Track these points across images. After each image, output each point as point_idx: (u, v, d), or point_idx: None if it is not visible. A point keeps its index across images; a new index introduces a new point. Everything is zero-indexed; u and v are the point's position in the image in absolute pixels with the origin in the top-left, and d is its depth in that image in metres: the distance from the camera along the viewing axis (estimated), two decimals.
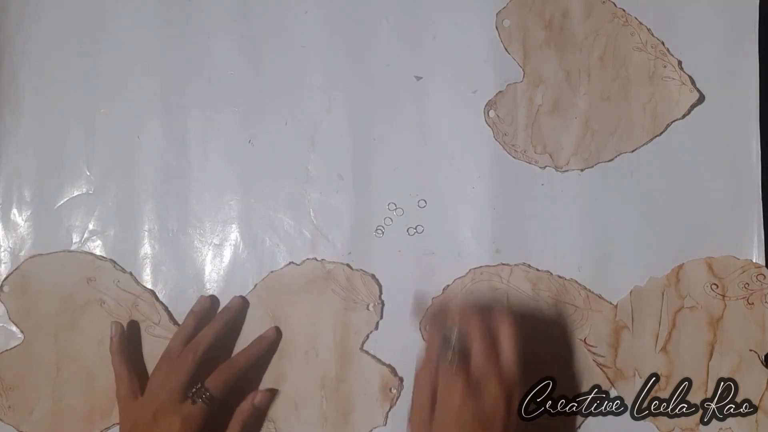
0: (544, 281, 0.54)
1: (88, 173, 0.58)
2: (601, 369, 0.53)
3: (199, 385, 0.51)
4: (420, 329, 0.55)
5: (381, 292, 0.55)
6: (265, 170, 0.57)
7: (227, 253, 0.57)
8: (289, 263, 0.56)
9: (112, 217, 0.58)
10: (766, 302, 0.53)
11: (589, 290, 0.54)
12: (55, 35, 0.59)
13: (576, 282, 0.54)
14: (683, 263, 0.54)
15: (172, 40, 0.58)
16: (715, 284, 0.53)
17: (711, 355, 0.53)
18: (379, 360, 0.55)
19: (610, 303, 0.54)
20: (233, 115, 0.58)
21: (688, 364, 0.53)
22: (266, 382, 0.55)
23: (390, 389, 0.54)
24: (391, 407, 0.54)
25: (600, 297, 0.54)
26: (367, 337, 0.55)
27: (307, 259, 0.56)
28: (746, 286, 0.53)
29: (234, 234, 0.57)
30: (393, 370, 0.55)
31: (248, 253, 0.57)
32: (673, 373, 0.53)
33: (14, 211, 0.58)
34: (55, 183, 0.58)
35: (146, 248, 0.57)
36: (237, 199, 0.58)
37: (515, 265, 0.55)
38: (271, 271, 0.56)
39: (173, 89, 0.58)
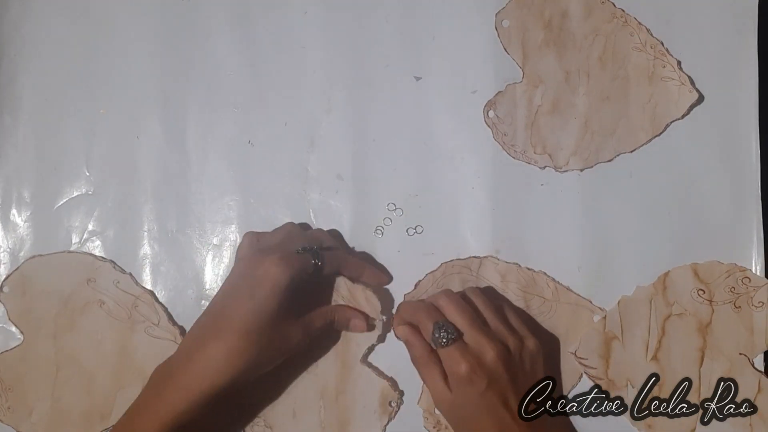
0: (512, 273, 0.54)
1: (87, 174, 0.58)
2: (593, 381, 0.53)
3: (311, 248, 0.51)
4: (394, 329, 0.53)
5: (382, 308, 0.54)
6: (264, 171, 0.57)
7: (227, 253, 0.57)
8: None
9: (111, 217, 0.58)
10: (752, 305, 0.53)
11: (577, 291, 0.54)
12: (54, 36, 0.59)
13: (545, 274, 0.55)
14: (669, 271, 0.54)
15: (171, 41, 0.58)
16: (701, 290, 0.53)
17: (702, 361, 0.53)
18: (380, 373, 0.54)
19: (600, 308, 0.54)
20: (233, 116, 0.58)
21: (679, 372, 0.52)
22: (266, 390, 0.54)
23: (390, 403, 0.54)
24: (389, 421, 0.54)
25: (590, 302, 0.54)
26: (370, 349, 0.54)
27: None
28: (732, 289, 0.53)
29: (233, 234, 0.57)
30: (394, 384, 0.54)
31: None
32: (665, 382, 0.53)
33: (14, 211, 0.58)
34: (55, 183, 0.58)
35: (146, 249, 0.57)
36: (236, 200, 0.57)
37: (484, 257, 0.55)
38: None
39: (173, 90, 0.58)
